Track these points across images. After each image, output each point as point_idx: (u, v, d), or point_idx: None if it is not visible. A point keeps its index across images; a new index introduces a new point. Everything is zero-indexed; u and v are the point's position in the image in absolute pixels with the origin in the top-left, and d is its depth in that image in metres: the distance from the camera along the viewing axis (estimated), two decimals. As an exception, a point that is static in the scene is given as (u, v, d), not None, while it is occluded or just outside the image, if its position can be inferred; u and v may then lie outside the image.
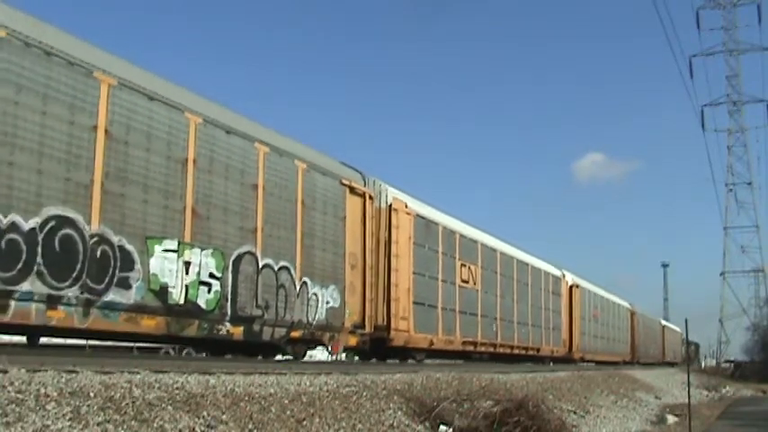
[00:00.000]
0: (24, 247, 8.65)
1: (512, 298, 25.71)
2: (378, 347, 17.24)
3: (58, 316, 9.07)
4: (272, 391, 7.73)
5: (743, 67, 72.83)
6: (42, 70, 9.14)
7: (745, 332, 69.75)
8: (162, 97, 10.93)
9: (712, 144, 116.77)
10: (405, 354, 18.69)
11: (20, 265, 8.57)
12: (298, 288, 13.69)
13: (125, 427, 5.53)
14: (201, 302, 11.28)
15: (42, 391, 5.45)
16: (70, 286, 9.16)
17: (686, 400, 16.03)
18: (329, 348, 15.58)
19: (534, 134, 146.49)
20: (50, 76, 9.23)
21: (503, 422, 9.49)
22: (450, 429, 9.36)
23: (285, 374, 8.79)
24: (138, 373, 6.75)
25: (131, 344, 20.11)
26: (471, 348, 22.02)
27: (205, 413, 6.39)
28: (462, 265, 21.61)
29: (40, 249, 8.81)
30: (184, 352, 21.02)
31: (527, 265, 27.85)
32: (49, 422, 5.07)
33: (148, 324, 10.41)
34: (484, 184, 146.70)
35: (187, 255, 11.06)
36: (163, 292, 10.55)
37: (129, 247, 10.08)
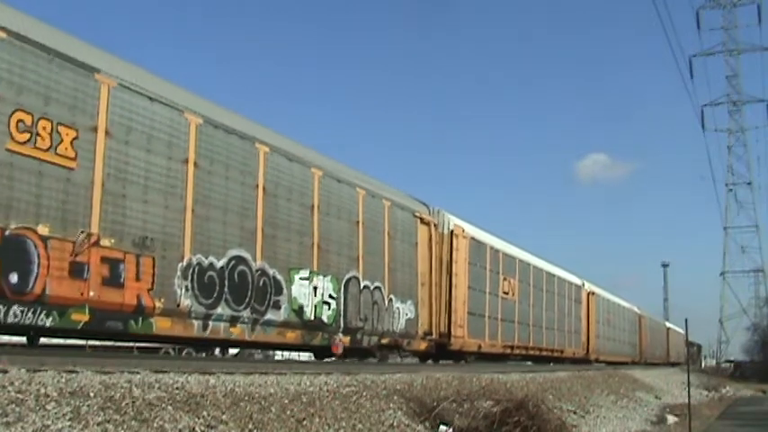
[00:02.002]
0: (218, 281, 11.10)
1: (541, 306, 27.99)
2: (438, 351, 19.59)
3: (236, 332, 11.52)
4: (272, 391, 7.57)
5: (743, 67, 70.92)
6: (225, 144, 11.58)
7: (745, 332, 68.72)
8: (298, 158, 13.37)
9: (712, 144, 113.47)
10: (459, 356, 21.01)
11: (215, 294, 11.03)
12: (386, 304, 16.10)
13: (125, 427, 5.40)
14: (324, 318, 13.70)
15: (42, 391, 5.35)
16: (244, 309, 11.60)
17: (686, 400, 15.68)
18: (401, 353, 17.91)
19: (536, 134, 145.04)
20: (230, 149, 11.68)
21: (503, 422, 9.30)
22: (450, 429, 9.19)
23: (285, 374, 8.62)
24: (138, 373, 6.62)
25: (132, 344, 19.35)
26: (509, 351, 24.34)
27: (205, 413, 6.24)
28: (504, 279, 23.94)
29: (226, 282, 11.25)
30: (184, 352, 21.55)
31: (554, 276, 30.11)
32: (49, 422, 4.97)
33: (291, 336, 12.85)
34: (485, 183, 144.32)
35: (315, 281, 13.49)
36: (300, 311, 12.98)
37: (280, 276, 12.51)
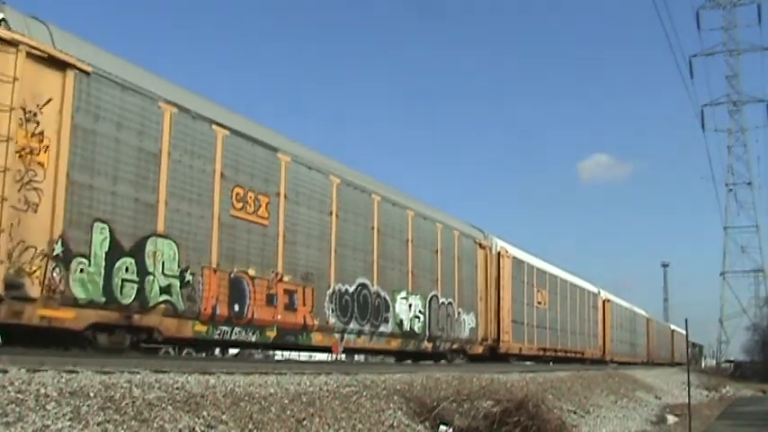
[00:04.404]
0: (350, 303, 13.94)
1: (566, 313, 30.74)
2: (490, 353, 22.41)
3: (360, 341, 14.38)
4: (272, 391, 7.40)
5: (743, 67, 68.19)
6: (353, 198, 14.42)
7: (745, 332, 66.89)
8: (399, 203, 16.21)
9: (712, 144, 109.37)
10: (505, 358, 23.79)
11: (348, 313, 13.87)
12: (456, 316, 18.91)
13: (125, 427, 5.28)
14: (416, 329, 16.52)
15: (42, 391, 5.24)
16: (366, 324, 14.44)
17: (686, 400, 15.41)
18: (464, 356, 20.69)
19: (538, 135, 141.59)
20: (357, 201, 14.53)
21: (503, 422, 9.07)
22: (450, 429, 8.98)
23: (285, 374, 8.44)
24: (138, 373, 6.46)
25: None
26: (542, 353, 27.12)
27: (205, 413, 6.11)
28: (537, 290, 26.72)
29: (355, 304, 14.09)
30: (184, 352, 21.52)
31: (576, 286, 32.86)
32: (49, 422, 4.87)
33: (394, 344, 15.71)
34: (486, 183, 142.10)
35: (410, 299, 16.31)
36: (400, 323, 15.80)
37: (387, 297, 15.34)
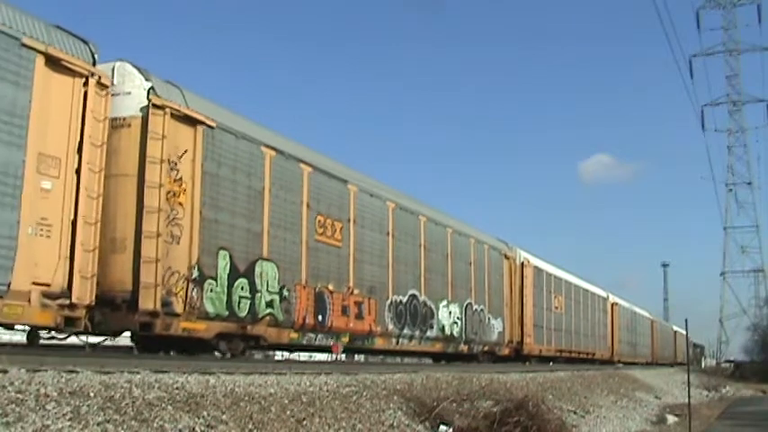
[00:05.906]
0: (404, 311, 15.85)
1: (579, 317, 32.64)
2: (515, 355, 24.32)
3: (412, 345, 16.29)
4: (272, 391, 7.40)
5: (743, 67, 67.77)
6: (405, 218, 16.31)
7: (745, 332, 66.80)
8: (441, 222, 18.14)
9: (712, 144, 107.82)
10: (526, 358, 25.69)
11: (402, 320, 15.79)
12: (487, 321, 20.82)
13: (125, 427, 5.29)
14: (455, 333, 18.44)
15: (42, 391, 5.24)
16: (416, 329, 16.36)
17: (686, 400, 15.42)
18: (493, 357, 22.59)
19: (540, 135, 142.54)
20: (408, 221, 16.42)
21: (503, 422, 9.07)
22: (450, 429, 8.95)
23: (285, 374, 8.43)
24: (138, 373, 6.45)
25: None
26: (558, 354, 29.01)
27: (205, 413, 6.11)
28: (555, 296, 28.62)
29: (408, 312, 16.01)
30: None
31: (588, 291, 34.75)
32: (49, 422, 4.87)
33: (437, 346, 17.63)
34: (487, 183, 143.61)
35: (450, 307, 18.23)
36: (442, 328, 17.72)
37: (432, 306, 17.25)
